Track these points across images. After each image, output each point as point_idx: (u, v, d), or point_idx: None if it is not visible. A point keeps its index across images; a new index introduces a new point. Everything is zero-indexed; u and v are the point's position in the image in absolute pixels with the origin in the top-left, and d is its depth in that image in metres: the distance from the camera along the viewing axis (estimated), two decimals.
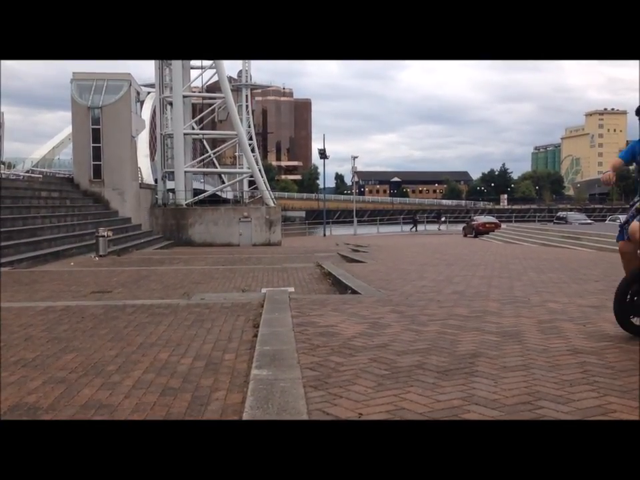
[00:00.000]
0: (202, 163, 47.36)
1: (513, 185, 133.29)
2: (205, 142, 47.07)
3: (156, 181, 41.85)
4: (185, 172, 38.25)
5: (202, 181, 52.58)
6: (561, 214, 50.70)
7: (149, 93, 53.93)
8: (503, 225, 40.67)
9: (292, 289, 9.41)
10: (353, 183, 61.65)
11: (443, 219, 60.97)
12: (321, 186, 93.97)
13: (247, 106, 70.13)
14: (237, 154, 63.65)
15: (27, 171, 33.41)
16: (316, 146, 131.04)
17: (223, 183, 55.63)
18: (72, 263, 16.43)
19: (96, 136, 30.73)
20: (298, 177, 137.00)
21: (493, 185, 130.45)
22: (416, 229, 53.32)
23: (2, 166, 29.94)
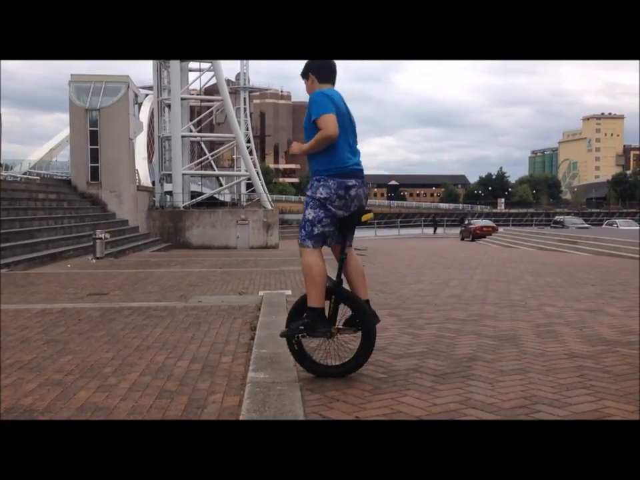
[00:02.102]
0: (200, 166, 47.35)
1: (510, 189, 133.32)
2: (202, 144, 47.04)
3: (153, 183, 41.89)
4: (183, 174, 38.25)
5: (199, 183, 52.57)
6: (557, 218, 50.82)
7: (147, 95, 54.00)
8: (500, 229, 40.71)
9: (289, 292, 9.38)
10: None
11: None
12: None
13: (245, 108, 70.23)
14: (234, 156, 63.70)
15: (25, 173, 33.43)
16: None
17: (221, 185, 55.54)
18: (69, 265, 16.39)
19: (94, 138, 30.67)
20: (296, 180, 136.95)
21: (490, 188, 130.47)
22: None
23: None
